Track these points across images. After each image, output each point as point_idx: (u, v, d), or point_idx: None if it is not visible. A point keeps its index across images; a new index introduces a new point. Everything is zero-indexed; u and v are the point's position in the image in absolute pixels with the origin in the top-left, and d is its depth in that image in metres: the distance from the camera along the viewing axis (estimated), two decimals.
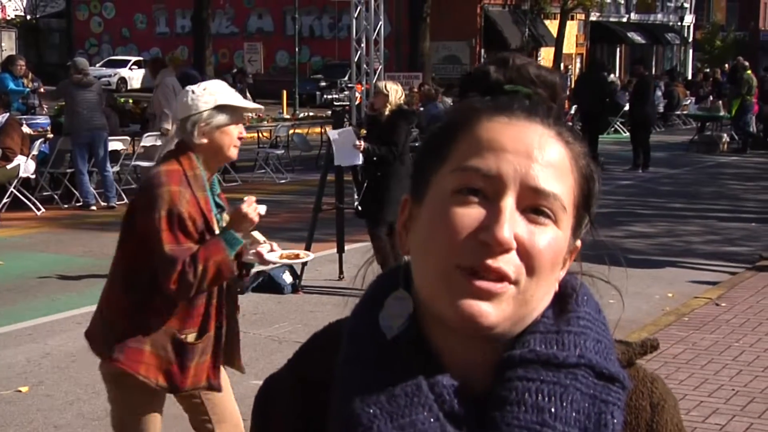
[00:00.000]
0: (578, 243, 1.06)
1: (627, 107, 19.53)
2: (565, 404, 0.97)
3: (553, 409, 0.96)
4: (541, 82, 1.06)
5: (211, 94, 3.32)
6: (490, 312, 0.96)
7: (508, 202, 0.96)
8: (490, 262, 0.95)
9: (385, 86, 7.73)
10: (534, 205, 0.97)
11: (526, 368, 0.98)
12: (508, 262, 0.95)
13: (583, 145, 1.04)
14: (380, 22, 17.83)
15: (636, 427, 1.05)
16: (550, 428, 0.96)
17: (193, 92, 3.34)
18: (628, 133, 19.58)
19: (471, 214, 0.96)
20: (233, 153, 3.38)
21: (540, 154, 0.98)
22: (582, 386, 0.98)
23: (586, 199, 1.03)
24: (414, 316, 1.02)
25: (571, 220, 1.01)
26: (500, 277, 0.95)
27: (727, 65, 28.17)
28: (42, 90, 15.51)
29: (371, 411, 0.97)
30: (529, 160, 0.98)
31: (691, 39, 52.17)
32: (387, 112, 7.60)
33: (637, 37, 46.89)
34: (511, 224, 0.95)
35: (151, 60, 14.77)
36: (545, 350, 0.99)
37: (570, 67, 39.79)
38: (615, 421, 0.99)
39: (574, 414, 0.97)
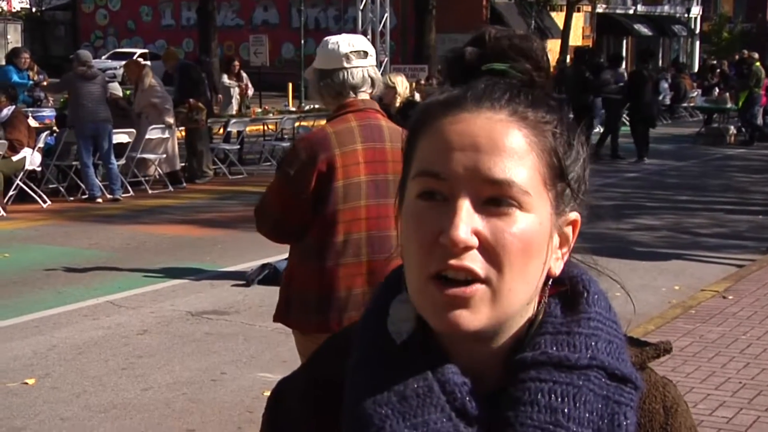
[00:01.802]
0: (574, 215, 1.03)
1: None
2: (578, 405, 0.96)
3: (566, 410, 0.96)
4: (517, 53, 1.03)
5: (373, 54, 3.47)
6: (468, 318, 0.95)
7: (463, 201, 0.94)
8: (454, 262, 0.94)
9: (390, 79, 7.74)
10: (492, 196, 0.95)
11: (538, 370, 0.98)
12: (474, 260, 0.94)
13: (549, 114, 1.00)
14: (386, 15, 17.81)
15: (650, 430, 1.05)
16: (563, 428, 0.95)
17: (367, 54, 3.42)
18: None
19: (432, 219, 0.95)
20: None
21: (488, 143, 0.96)
22: (595, 387, 0.98)
23: (558, 171, 0.99)
24: (420, 316, 1.01)
25: (545, 197, 0.98)
26: (468, 277, 0.94)
27: (737, 56, 28.03)
28: (45, 83, 15.50)
29: (383, 411, 0.97)
30: (476, 153, 0.95)
31: (698, 31, 52.02)
32: (397, 105, 7.61)
33: (643, 29, 46.78)
34: (469, 223, 0.94)
35: (132, 61, 14.79)
36: (557, 352, 0.98)
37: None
38: (628, 421, 0.98)
39: (587, 414, 0.96)
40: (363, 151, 3.32)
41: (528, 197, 0.96)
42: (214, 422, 5.05)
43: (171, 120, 13.17)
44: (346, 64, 3.36)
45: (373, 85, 3.41)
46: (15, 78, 14.33)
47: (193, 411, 5.21)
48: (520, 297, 0.98)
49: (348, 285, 3.26)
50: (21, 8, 46.83)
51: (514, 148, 0.96)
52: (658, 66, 33.18)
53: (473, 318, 0.95)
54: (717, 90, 24.44)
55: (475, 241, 0.94)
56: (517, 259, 0.95)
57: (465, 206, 0.94)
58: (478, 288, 0.95)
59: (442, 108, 1.00)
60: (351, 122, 3.33)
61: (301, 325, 3.36)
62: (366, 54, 3.40)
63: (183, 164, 14.17)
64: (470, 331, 0.96)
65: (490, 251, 0.95)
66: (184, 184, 13.61)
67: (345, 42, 3.41)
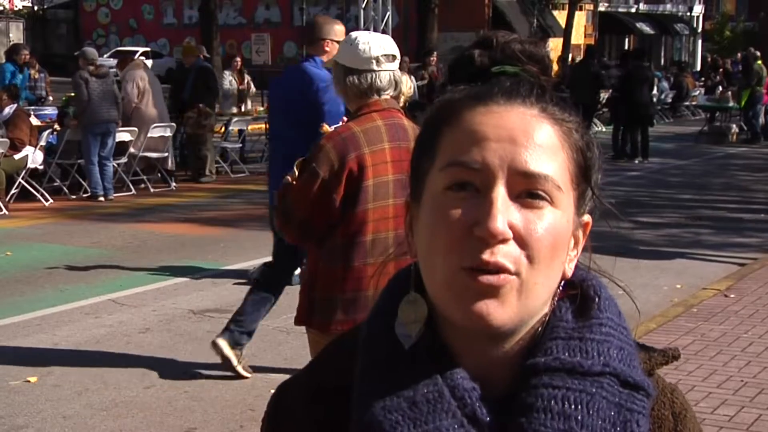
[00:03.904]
0: (587, 218, 1.04)
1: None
2: (591, 412, 0.96)
3: (579, 417, 0.95)
4: (527, 58, 1.04)
5: (398, 57, 3.50)
6: (498, 310, 0.94)
7: (499, 192, 0.94)
8: (486, 257, 0.93)
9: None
10: (527, 189, 0.95)
11: (551, 376, 0.97)
12: (507, 255, 0.94)
13: (573, 115, 1.01)
14: (388, 13, 17.80)
15: None
16: None
17: (395, 57, 3.44)
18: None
19: (464, 211, 0.95)
20: None
21: (524, 137, 0.96)
22: (607, 394, 0.97)
23: (584, 171, 1.00)
24: (429, 317, 1.00)
25: (570, 196, 0.99)
26: (499, 270, 0.94)
27: (739, 54, 27.99)
28: (47, 82, 15.44)
29: (393, 417, 0.96)
30: (513, 145, 0.95)
31: (700, 29, 51.97)
32: (401, 104, 7.60)
33: (645, 28, 46.74)
34: (504, 214, 0.93)
35: (121, 58, 14.72)
36: (569, 358, 0.98)
37: (578, 58, 39.67)
38: (640, 429, 0.98)
39: (600, 422, 0.96)
40: (390, 150, 3.33)
41: (560, 193, 0.97)
42: (216, 420, 5.05)
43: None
44: (375, 67, 3.37)
45: (396, 87, 3.42)
46: (11, 77, 14.27)
47: (195, 409, 5.21)
48: (544, 293, 0.98)
49: (376, 284, 3.25)
50: (23, 6, 46.84)
51: (548, 144, 0.97)
52: (660, 64, 33.16)
53: (502, 311, 0.95)
54: (720, 88, 24.41)
55: (510, 233, 0.94)
56: (546, 254, 0.96)
57: (500, 197, 0.94)
58: (509, 278, 0.94)
59: (469, 101, 0.99)
60: (377, 121, 3.34)
61: (325, 326, 3.32)
62: (394, 58, 3.43)
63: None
64: (496, 325, 0.95)
65: (522, 244, 0.95)
66: (173, 186, 13.34)
67: (376, 44, 3.41)
